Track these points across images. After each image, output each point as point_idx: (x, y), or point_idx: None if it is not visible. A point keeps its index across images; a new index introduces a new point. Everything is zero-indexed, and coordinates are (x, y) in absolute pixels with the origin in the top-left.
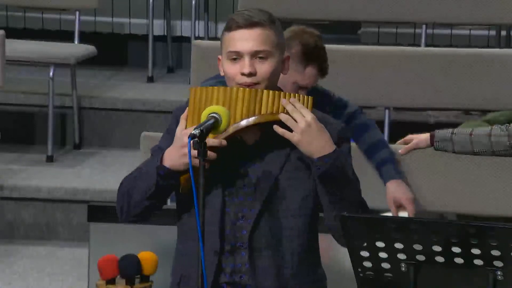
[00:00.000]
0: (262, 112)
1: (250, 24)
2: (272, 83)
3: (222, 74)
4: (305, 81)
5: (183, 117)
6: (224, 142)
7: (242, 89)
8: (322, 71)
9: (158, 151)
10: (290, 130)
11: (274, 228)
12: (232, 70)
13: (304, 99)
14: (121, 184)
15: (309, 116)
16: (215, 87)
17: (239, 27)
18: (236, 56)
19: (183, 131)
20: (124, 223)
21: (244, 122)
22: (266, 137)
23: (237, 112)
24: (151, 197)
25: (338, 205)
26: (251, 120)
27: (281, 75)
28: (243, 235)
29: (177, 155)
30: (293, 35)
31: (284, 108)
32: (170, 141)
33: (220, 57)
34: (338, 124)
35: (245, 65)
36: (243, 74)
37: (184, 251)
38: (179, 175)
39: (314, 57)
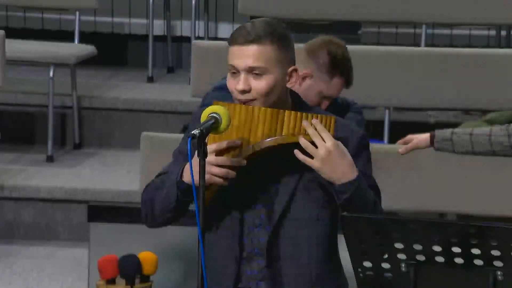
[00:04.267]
0: (283, 133)
1: (246, 41)
2: (271, 99)
3: None
4: (330, 91)
5: None
6: (244, 162)
7: (264, 109)
8: (348, 82)
9: (178, 155)
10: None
11: (292, 236)
12: (231, 84)
13: (326, 120)
14: (143, 191)
15: (329, 141)
16: (238, 104)
17: (237, 43)
18: (235, 71)
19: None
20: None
21: (265, 143)
22: (286, 147)
23: (258, 131)
24: (172, 210)
25: None
26: (273, 140)
27: (306, 84)
28: (261, 242)
29: (194, 171)
30: (321, 44)
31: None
32: None
33: None
34: (359, 132)
35: (239, 82)
36: (238, 90)
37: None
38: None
39: (341, 68)
